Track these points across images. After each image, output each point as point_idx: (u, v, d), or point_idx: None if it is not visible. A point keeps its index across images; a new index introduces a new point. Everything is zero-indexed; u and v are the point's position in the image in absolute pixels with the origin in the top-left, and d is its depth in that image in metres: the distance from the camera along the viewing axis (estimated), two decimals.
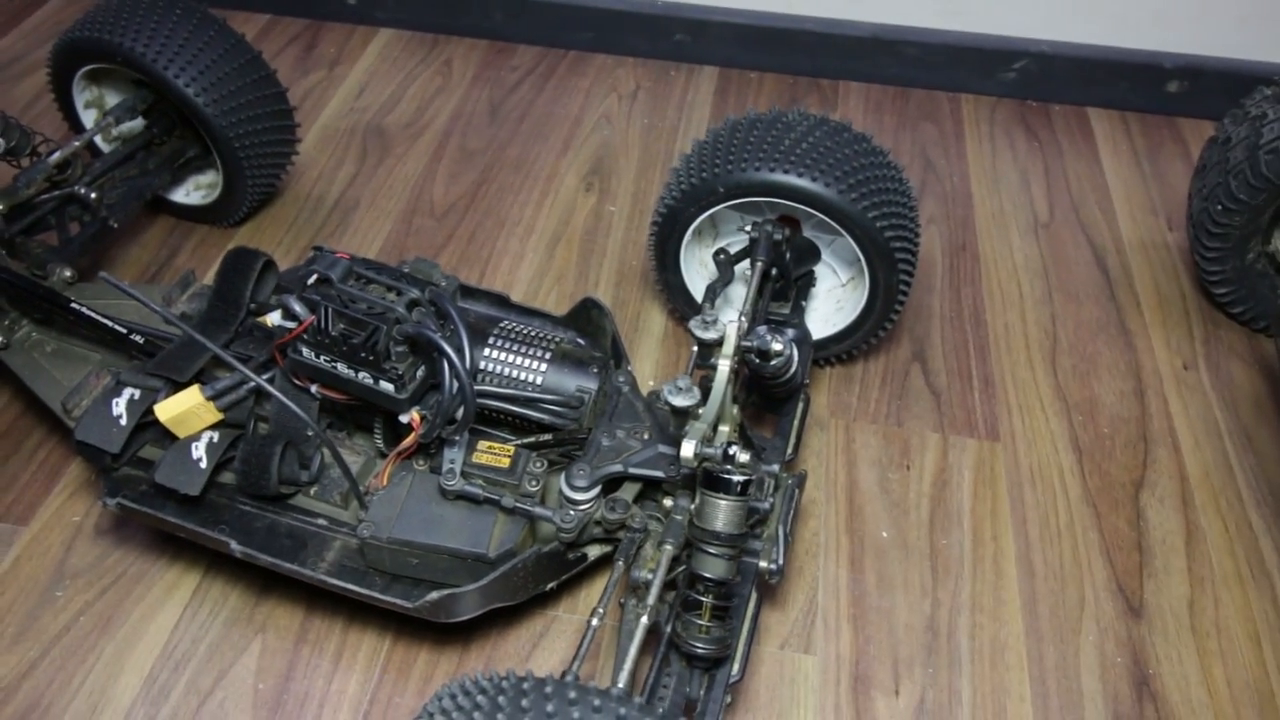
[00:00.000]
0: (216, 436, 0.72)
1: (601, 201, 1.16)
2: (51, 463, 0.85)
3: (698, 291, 0.94)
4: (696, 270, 0.95)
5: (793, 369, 0.74)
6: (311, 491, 0.74)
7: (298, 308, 0.68)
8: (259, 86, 0.98)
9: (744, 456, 0.61)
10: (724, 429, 0.69)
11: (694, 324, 0.68)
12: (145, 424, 0.73)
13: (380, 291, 0.68)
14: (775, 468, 0.72)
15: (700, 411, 0.64)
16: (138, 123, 1.00)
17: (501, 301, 0.85)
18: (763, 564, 0.69)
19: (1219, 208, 0.95)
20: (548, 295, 1.04)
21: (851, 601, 0.79)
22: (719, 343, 0.68)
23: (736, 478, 0.61)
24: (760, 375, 0.72)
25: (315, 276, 0.68)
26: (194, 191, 1.07)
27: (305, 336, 0.68)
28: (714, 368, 0.68)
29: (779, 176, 0.82)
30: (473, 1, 1.40)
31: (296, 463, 0.73)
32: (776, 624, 0.77)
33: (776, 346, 0.68)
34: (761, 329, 0.70)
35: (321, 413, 0.73)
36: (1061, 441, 0.93)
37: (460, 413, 0.66)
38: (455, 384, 0.65)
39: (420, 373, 0.68)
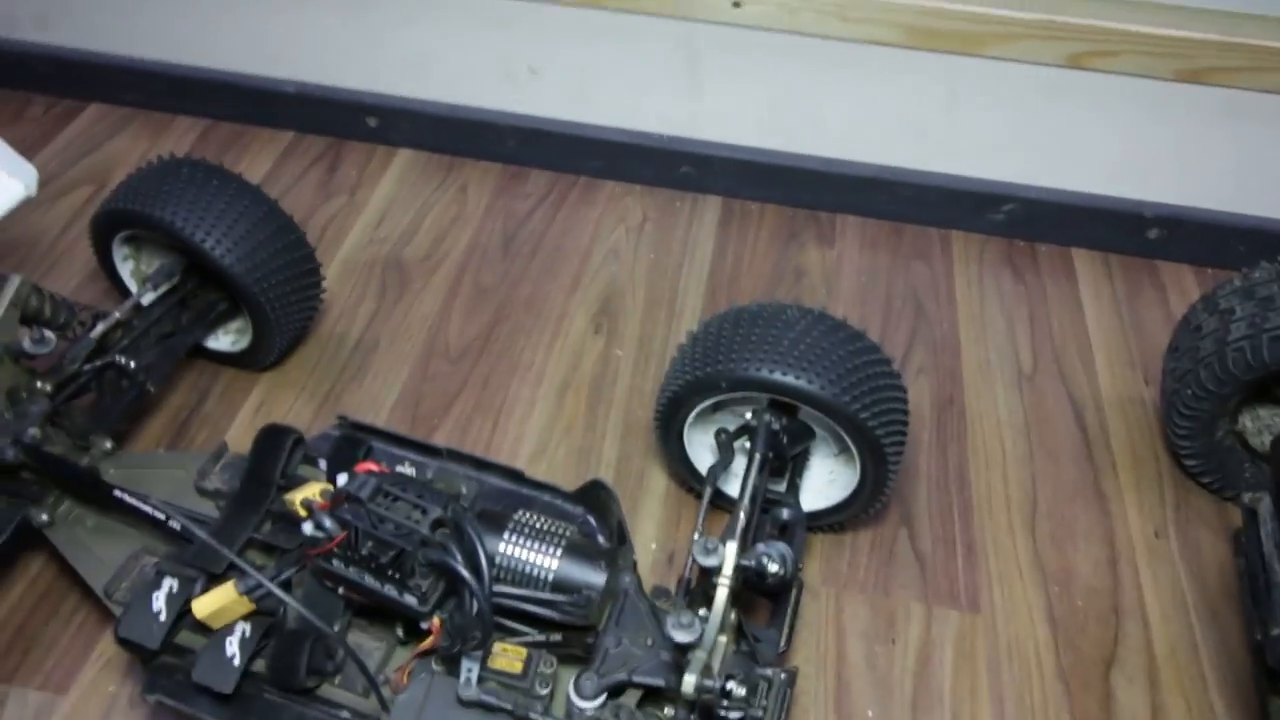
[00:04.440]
0: (249, 629, 0.78)
1: (609, 345, 1.22)
2: (89, 627, 0.90)
3: (701, 464, 1.00)
4: (699, 443, 1.00)
5: (788, 578, 0.80)
6: (336, 680, 0.79)
7: (329, 523, 0.73)
8: (289, 251, 1.04)
9: (740, 691, 0.67)
10: (722, 639, 0.75)
11: (696, 550, 0.73)
12: (184, 612, 0.79)
13: (406, 510, 0.74)
14: (768, 672, 0.77)
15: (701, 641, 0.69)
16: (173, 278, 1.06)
17: (515, 476, 0.91)
18: None
19: (1189, 393, 1.01)
20: (557, 449, 1.10)
21: None
22: (719, 567, 0.73)
23: (733, 715, 0.67)
24: (757, 589, 0.78)
25: (346, 495, 0.73)
26: (224, 337, 1.13)
27: (336, 550, 0.73)
28: (715, 587, 0.73)
29: (778, 376, 0.87)
30: (487, 127, 1.46)
31: (324, 654, 0.78)
32: None
33: (774, 568, 0.74)
34: (761, 547, 0.76)
35: (345, 604, 0.79)
36: (1038, 614, 0.98)
37: (478, 632, 0.72)
38: (475, 607, 0.70)
39: (442, 585, 0.74)
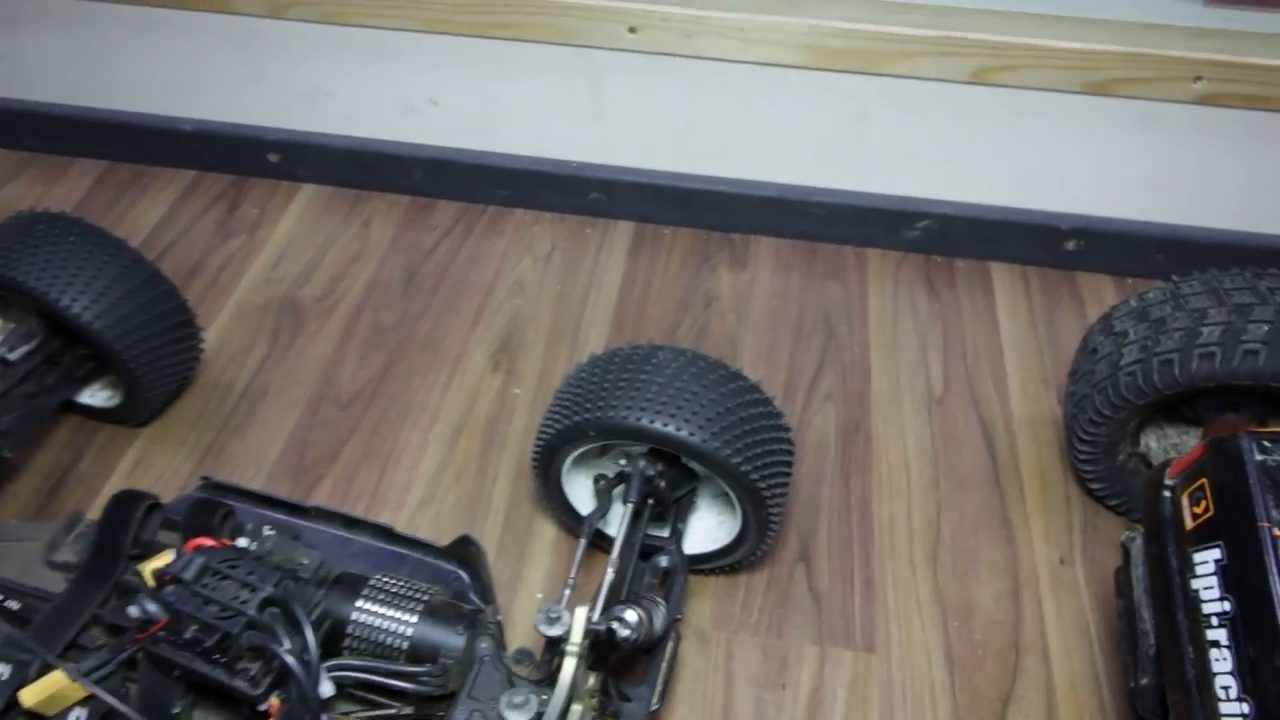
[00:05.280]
0: (84, 716, 0.74)
1: (507, 383, 1.19)
2: None
3: (584, 509, 0.97)
4: (584, 487, 0.97)
5: (652, 636, 0.76)
6: None
7: (152, 608, 0.70)
8: (158, 304, 1.01)
9: None
10: (576, 708, 0.72)
11: (539, 620, 0.70)
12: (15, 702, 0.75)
13: (234, 589, 0.70)
14: None
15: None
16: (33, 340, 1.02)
17: (385, 533, 0.88)
18: None
19: (1086, 418, 0.98)
20: (446, 496, 1.07)
21: None
22: (566, 636, 0.70)
23: None
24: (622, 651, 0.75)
25: (171, 576, 0.70)
26: (99, 393, 1.09)
27: (161, 634, 0.70)
28: (562, 656, 0.70)
29: (645, 423, 0.84)
30: (391, 160, 1.42)
31: None
32: None
33: (625, 634, 0.71)
34: (617, 609, 0.73)
35: (187, 686, 0.75)
36: (935, 652, 0.95)
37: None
38: (300, 695, 0.67)
39: (276, 663, 0.71)
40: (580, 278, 1.33)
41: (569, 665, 0.69)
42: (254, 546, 0.77)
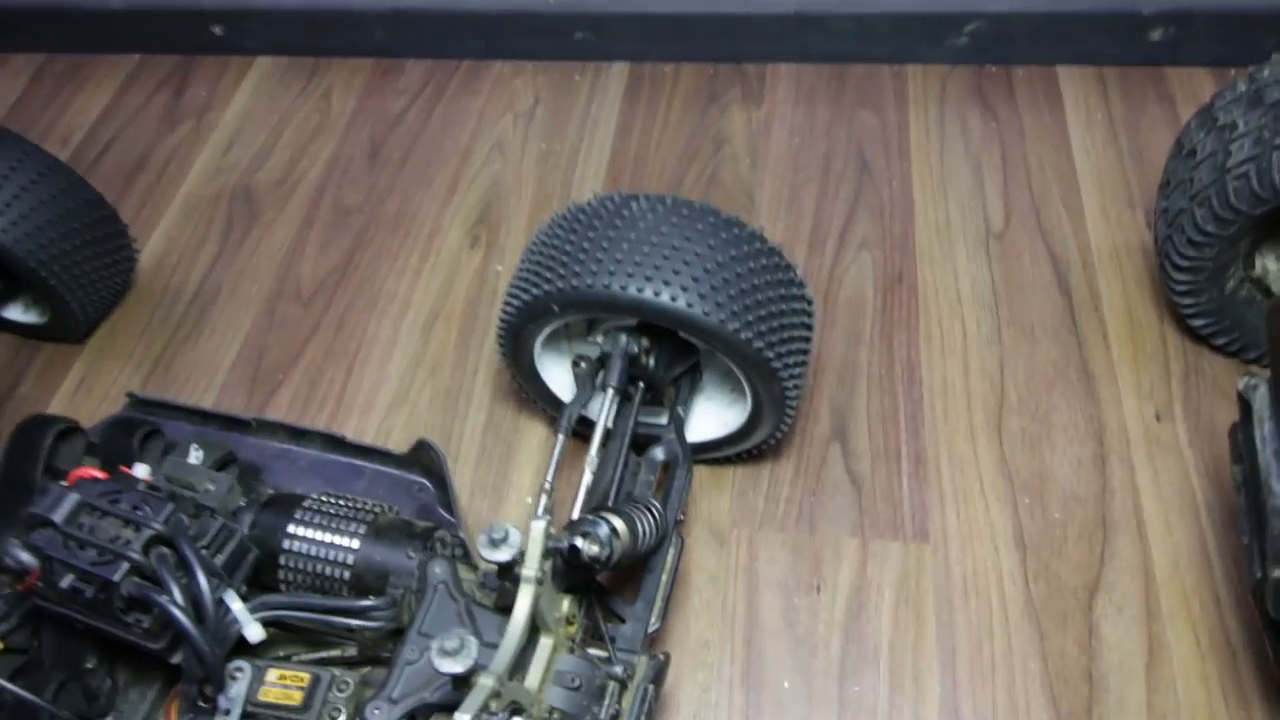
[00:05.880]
0: None
1: (488, 260, 1.03)
2: None
3: (567, 395, 0.82)
4: (563, 373, 0.82)
5: (640, 548, 0.62)
6: None
7: (23, 556, 0.58)
8: (64, 200, 0.87)
9: None
10: (547, 642, 0.58)
11: (480, 543, 0.56)
12: None
13: (116, 527, 0.58)
14: (619, 669, 0.60)
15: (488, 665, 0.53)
16: None
17: (335, 443, 0.76)
18: None
19: (1185, 238, 0.78)
20: (420, 394, 0.93)
21: None
22: (519, 559, 0.56)
23: None
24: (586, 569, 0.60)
25: (38, 518, 0.57)
26: (30, 309, 0.97)
27: (39, 586, 0.58)
28: (518, 582, 0.56)
29: (617, 290, 0.68)
30: (347, 18, 1.24)
31: (81, 695, 0.64)
32: None
33: (592, 550, 0.56)
34: (588, 521, 0.58)
35: (99, 643, 0.64)
36: (1003, 537, 0.79)
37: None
38: (195, 651, 0.55)
39: None
40: (568, 133, 1.15)
41: (525, 596, 0.55)
42: (160, 473, 0.64)
